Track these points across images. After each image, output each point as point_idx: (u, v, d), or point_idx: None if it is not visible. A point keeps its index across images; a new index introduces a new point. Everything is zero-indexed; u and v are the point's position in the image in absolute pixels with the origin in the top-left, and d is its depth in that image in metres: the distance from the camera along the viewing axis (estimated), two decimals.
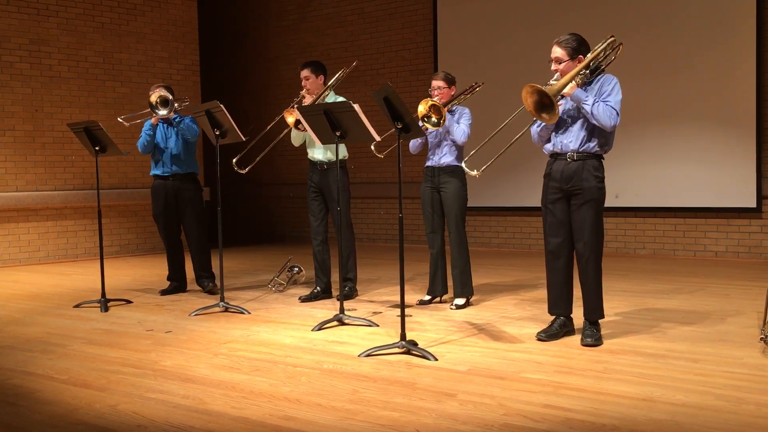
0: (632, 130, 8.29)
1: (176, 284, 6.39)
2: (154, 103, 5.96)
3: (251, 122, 8.92)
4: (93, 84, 9.43)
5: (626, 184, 8.38)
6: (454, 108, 5.36)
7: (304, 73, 5.78)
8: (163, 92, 6.02)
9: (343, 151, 5.80)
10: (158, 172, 6.28)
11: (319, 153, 5.79)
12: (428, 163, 5.48)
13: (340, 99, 5.51)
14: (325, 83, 5.81)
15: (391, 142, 5.69)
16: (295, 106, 5.13)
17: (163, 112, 5.98)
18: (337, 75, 5.79)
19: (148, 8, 9.93)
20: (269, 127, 6.08)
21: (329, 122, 4.59)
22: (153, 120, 6.11)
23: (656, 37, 8.28)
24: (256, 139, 6.02)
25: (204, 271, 6.30)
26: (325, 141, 4.86)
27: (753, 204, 7.79)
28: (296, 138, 5.83)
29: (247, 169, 5.80)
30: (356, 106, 4.42)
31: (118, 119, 6.41)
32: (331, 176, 5.72)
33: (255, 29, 11.77)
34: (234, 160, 5.74)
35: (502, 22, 9.30)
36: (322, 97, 5.67)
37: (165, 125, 6.22)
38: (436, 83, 5.37)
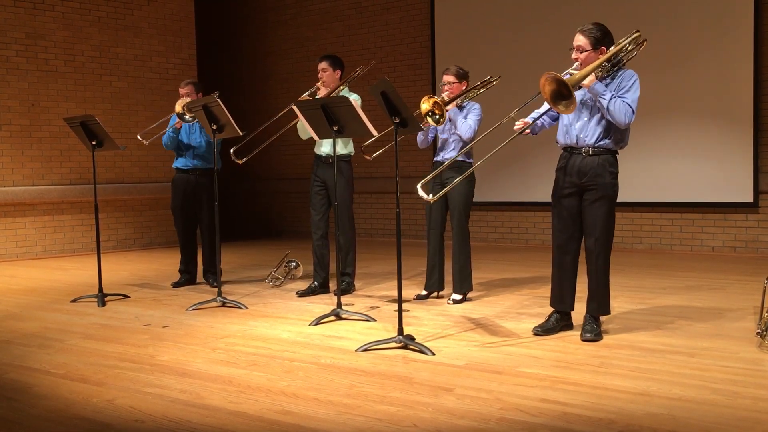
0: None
1: (188, 276, 6.47)
2: (180, 112, 5.99)
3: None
4: (89, 78, 9.41)
5: (623, 179, 8.25)
6: (464, 103, 5.29)
7: (322, 65, 5.79)
8: (188, 99, 6.04)
9: (349, 147, 5.80)
10: (180, 165, 6.37)
11: (326, 147, 5.76)
12: (436, 158, 5.44)
13: (354, 96, 5.51)
14: (341, 78, 5.83)
15: (380, 145, 5.63)
16: (308, 96, 5.13)
17: (189, 118, 6.01)
18: (354, 72, 5.81)
19: (145, 2, 9.91)
20: (276, 117, 5.99)
21: (326, 117, 4.59)
22: (177, 124, 6.16)
23: (652, 32, 8.26)
24: (258, 131, 6.00)
25: (211, 266, 6.34)
26: (322, 135, 4.86)
27: (750, 199, 7.81)
28: (303, 130, 5.78)
29: (244, 159, 5.79)
30: (353, 101, 4.42)
31: (138, 136, 6.42)
32: (338, 170, 5.70)
33: (252, 23, 11.75)
34: (232, 150, 5.74)
35: (499, 17, 9.29)
36: (336, 91, 5.67)
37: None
38: (446, 78, 5.28)
